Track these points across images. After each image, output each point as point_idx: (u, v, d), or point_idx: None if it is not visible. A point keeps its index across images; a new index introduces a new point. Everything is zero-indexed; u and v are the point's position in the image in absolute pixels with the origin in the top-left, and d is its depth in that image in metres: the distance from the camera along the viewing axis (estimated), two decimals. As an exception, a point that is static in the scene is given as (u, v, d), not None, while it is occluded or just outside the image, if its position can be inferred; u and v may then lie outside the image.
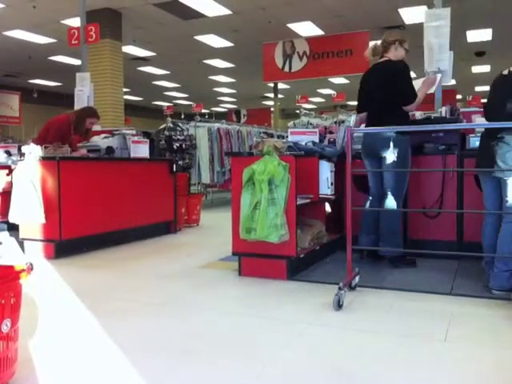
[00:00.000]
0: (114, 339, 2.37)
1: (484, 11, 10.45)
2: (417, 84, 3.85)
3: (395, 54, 3.80)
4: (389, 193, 3.73)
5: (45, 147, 4.51)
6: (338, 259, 3.98)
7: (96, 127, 6.61)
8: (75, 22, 8.11)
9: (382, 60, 3.85)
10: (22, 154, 4.70)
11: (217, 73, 17.51)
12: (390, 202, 3.71)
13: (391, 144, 3.64)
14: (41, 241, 4.43)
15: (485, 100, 3.40)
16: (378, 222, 3.83)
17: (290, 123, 9.47)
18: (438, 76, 4.24)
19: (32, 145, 4.47)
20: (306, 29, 11.76)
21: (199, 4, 9.97)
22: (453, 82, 10.52)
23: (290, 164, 3.38)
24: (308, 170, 3.72)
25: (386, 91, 3.70)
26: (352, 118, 4.82)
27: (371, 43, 3.96)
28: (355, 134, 4.33)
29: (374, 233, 3.86)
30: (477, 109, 4.40)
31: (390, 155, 3.67)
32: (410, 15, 10.49)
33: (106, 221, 4.89)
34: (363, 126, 4.13)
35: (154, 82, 18.73)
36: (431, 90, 4.12)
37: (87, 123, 5.18)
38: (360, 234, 3.91)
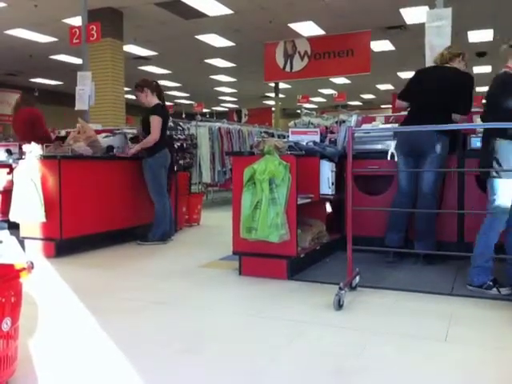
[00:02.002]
0: (114, 338, 2.37)
1: (485, 12, 10.45)
2: None
3: (459, 65, 3.91)
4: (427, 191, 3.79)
5: (46, 146, 4.52)
6: (339, 259, 3.99)
7: (97, 126, 6.63)
8: (76, 20, 8.11)
9: (449, 65, 3.90)
10: (22, 153, 4.69)
11: (218, 72, 17.52)
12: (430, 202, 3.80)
13: (438, 143, 3.71)
14: (41, 239, 4.43)
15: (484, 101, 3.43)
16: (408, 219, 3.92)
17: (291, 123, 9.43)
18: None
19: (33, 144, 4.46)
20: (308, 29, 11.76)
21: (200, 3, 9.97)
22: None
23: (290, 164, 3.38)
24: (309, 170, 3.72)
25: (450, 95, 3.77)
26: (353, 118, 4.83)
27: (440, 50, 4.06)
28: (356, 134, 4.33)
29: (404, 230, 3.93)
30: (478, 109, 4.39)
31: (434, 153, 3.72)
32: (412, 15, 10.49)
33: (107, 220, 4.89)
34: (364, 125, 4.13)
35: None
36: None
37: None
38: (387, 231, 3.96)
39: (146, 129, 5.05)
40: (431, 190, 3.80)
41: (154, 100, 5.12)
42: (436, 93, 3.82)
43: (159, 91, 5.24)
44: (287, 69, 12.11)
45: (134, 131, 5.95)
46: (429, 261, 3.86)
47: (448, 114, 3.78)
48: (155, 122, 4.99)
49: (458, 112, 3.80)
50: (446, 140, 3.78)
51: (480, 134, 3.96)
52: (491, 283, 3.08)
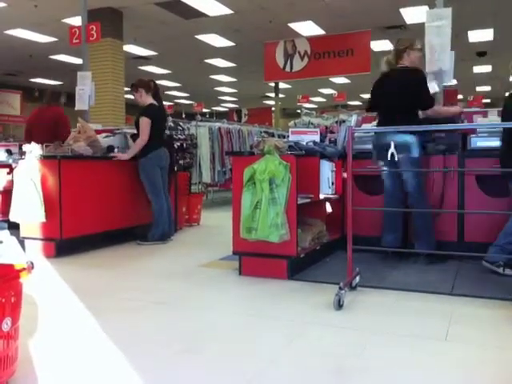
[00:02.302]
0: (113, 338, 2.37)
1: (485, 11, 10.45)
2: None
3: (410, 59, 3.91)
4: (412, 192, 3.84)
5: (46, 146, 4.51)
6: (339, 259, 3.99)
7: (97, 126, 6.62)
8: (76, 20, 8.10)
9: (399, 66, 3.95)
10: (22, 153, 4.69)
11: (218, 72, 17.52)
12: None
13: (405, 146, 3.72)
14: (41, 239, 4.43)
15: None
16: (402, 219, 3.97)
17: (291, 123, 9.44)
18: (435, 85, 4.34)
19: (33, 143, 4.46)
20: (307, 28, 11.76)
21: (200, 3, 9.98)
22: (454, 82, 10.51)
23: (290, 163, 3.38)
24: (309, 170, 3.72)
25: (404, 96, 3.80)
26: (353, 118, 4.83)
27: (383, 58, 4.08)
28: (356, 134, 4.34)
29: (399, 230, 3.95)
30: (478, 109, 4.40)
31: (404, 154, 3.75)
32: (412, 15, 10.49)
33: (107, 220, 4.89)
34: (364, 125, 4.15)
35: (155, 81, 18.72)
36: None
37: None
38: (383, 233, 3.99)
39: (139, 130, 5.07)
40: (414, 188, 3.84)
41: (148, 100, 5.12)
42: (391, 97, 3.88)
43: (155, 91, 5.23)
44: (287, 69, 12.11)
45: (134, 131, 5.94)
46: (430, 260, 3.86)
47: (409, 115, 3.80)
48: (143, 123, 5.00)
49: (419, 108, 3.86)
50: (413, 138, 3.76)
51: (481, 134, 3.98)
52: (502, 263, 3.39)
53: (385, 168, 3.95)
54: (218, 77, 18.41)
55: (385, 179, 4.04)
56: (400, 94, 3.81)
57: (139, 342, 2.35)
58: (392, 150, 3.68)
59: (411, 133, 3.73)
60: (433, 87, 4.32)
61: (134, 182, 5.19)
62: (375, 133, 4.04)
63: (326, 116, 10.81)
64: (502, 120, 3.66)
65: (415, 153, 3.77)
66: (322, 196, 3.89)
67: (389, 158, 3.67)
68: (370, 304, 2.94)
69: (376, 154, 3.97)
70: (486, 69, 16.25)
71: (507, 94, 3.73)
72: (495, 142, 3.81)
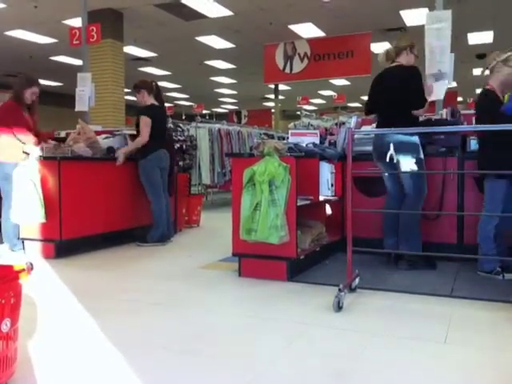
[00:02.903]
0: (113, 339, 2.37)
1: (485, 14, 10.46)
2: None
3: (406, 59, 3.87)
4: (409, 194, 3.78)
5: (46, 147, 4.51)
6: (338, 261, 3.99)
7: (97, 127, 6.62)
8: (76, 22, 8.12)
9: (394, 64, 3.90)
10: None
11: (218, 74, 17.54)
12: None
13: (401, 147, 3.64)
14: (41, 241, 4.43)
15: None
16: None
17: (291, 124, 9.48)
18: (434, 84, 4.32)
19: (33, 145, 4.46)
20: (307, 30, 11.78)
21: (200, 5, 9.99)
22: (454, 84, 10.54)
23: (290, 165, 3.38)
24: (308, 172, 3.72)
25: (399, 95, 3.74)
26: (352, 120, 4.83)
27: (383, 49, 4.02)
28: (356, 136, 4.34)
29: (396, 235, 3.88)
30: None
31: (401, 158, 3.68)
32: (412, 17, 10.50)
33: (107, 221, 4.89)
34: (364, 127, 4.15)
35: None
36: (435, 98, 4.30)
37: (27, 95, 4.51)
38: (384, 237, 3.95)
39: (139, 130, 5.08)
40: (412, 190, 3.78)
41: (149, 101, 5.13)
42: (387, 95, 3.82)
43: (157, 92, 5.23)
44: (287, 70, 12.12)
45: (134, 132, 5.95)
46: (412, 265, 3.74)
47: (406, 114, 3.74)
48: (143, 122, 5.02)
49: (414, 108, 3.75)
50: (415, 141, 3.72)
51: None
52: (499, 269, 3.46)
53: (384, 170, 3.90)
54: (218, 78, 18.42)
55: (386, 181, 4.00)
56: (401, 89, 3.73)
57: (138, 344, 2.35)
58: (391, 151, 3.67)
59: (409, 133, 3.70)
60: (438, 95, 4.31)
61: (133, 184, 5.19)
62: (375, 134, 4.00)
63: (325, 118, 10.84)
64: (477, 120, 3.64)
65: (418, 153, 3.72)
66: (321, 198, 3.89)
67: (387, 160, 3.63)
68: (369, 306, 2.94)
69: (376, 156, 3.94)
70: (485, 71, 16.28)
71: (479, 92, 3.72)
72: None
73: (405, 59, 3.87)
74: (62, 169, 4.37)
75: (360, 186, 4.30)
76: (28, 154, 4.38)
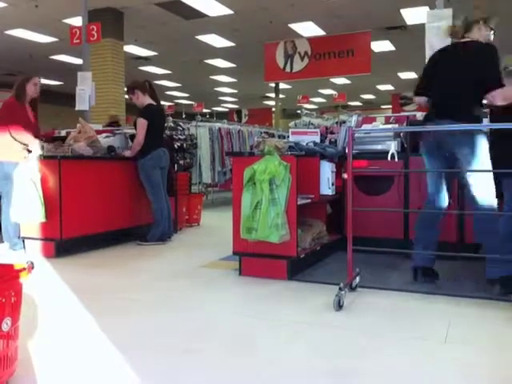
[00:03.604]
0: (113, 339, 2.37)
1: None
2: None
3: (480, 34, 3.27)
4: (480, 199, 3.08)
5: (46, 145, 4.51)
6: (339, 259, 3.99)
7: (97, 126, 6.62)
8: (77, 21, 8.11)
9: (465, 40, 3.27)
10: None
11: (218, 72, 17.53)
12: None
13: (470, 140, 3.06)
14: (41, 240, 4.43)
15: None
16: (438, 233, 3.34)
17: (291, 123, 9.48)
18: None
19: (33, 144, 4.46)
20: (308, 29, 11.77)
21: (201, 4, 9.98)
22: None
23: (290, 164, 3.38)
24: (309, 170, 3.72)
25: (472, 76, 3.09)
26: (353, 119, 4.83)
27: (447, 25, 3.48)
28: (356, 135, 4.34)
29: (432, 247, 3.31)
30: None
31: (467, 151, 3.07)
32: (412, 16, 10.49)
33: (107, 220, 4.89)
34: (364, 126, 4.11)
35: (156, 82, 18.71)
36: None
37: (30, 88, 4.60)
38: (415, 245, 3.36)
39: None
40: (482, 195, 3.08)
41: (146, 100, 5.12)
42: (454, 77, 3.17)
43: (151, 90, 5.22)
44: (287, 69, 12.11)
45: (134, 131, 5.95)
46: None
47: (475, 100, 3.12)
48: (139, 125, 5.03)
49: (488, 89, 3.02)
50: (482, 133, 3.11)
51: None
52: None
53: (435, 166, 3.28)
54: (218, 77, 18.41)
55: (432, 183, 3.33)
56: (461, 75, 3.10)
57: (139, 342, 2.35)
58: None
59: (475, 121, 3.06)
60: None
61: (133, 183, 5.19)
62: (429, 121, 3.27)
63: (326, 116, 10.85)
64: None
65: (477, 148, 3.05)
66: (322, 196, 3.89)
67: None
68: (369, 305, 2.93)
69: (428, 148, 3.31)
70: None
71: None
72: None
73: (478, 35, 3.27)
74: (62, 168, 4.37)
75: (360, 184, 4.29)
76: (30, 151, 4.39)
